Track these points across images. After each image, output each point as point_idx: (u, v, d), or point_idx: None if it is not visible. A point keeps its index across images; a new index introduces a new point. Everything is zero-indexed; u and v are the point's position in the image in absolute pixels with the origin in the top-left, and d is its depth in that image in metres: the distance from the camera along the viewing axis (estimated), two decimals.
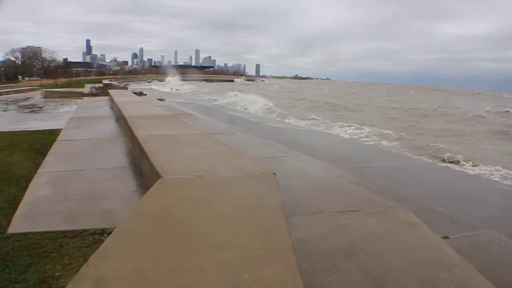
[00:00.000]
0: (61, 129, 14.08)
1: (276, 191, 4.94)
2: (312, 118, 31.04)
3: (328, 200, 6.43)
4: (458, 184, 11.81)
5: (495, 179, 13.80)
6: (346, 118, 32.49)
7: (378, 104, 43.61)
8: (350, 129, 25.58)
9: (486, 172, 14.86)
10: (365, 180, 9.32)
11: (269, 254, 3.23)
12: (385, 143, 20.85)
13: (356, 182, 8.56)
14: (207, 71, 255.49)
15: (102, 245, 3.48)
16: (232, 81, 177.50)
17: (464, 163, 16.34)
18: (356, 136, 23.28)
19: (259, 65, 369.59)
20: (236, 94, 57.66)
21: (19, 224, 5.89)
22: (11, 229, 5.71)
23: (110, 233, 5.20)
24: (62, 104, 28.99)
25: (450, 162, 16.28)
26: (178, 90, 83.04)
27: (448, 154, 17.33)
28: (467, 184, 12.41)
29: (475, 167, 15.63)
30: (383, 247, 4.63)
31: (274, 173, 5.75)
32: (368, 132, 23.79)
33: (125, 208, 6.03)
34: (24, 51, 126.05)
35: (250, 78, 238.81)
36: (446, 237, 5.74)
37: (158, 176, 5.64)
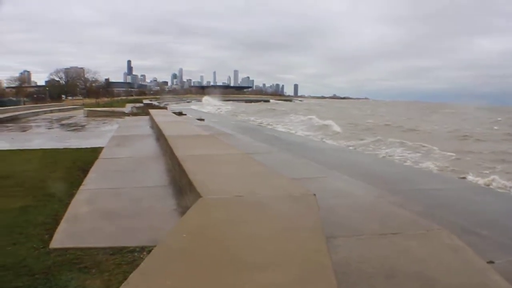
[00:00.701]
0: (103, 147, 14.31)
1: (316, 212, 4.88)
2: None
3: (368, 222, 6.30)
4: (504, 207, 11.47)
5: None
6: None
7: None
8: None
9: None
10: (406, 201, 9.14)
11: (309, 277, 3.18)
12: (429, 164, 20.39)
13: (397, 203, 8.40)
14: (245, 91, 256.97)
15: (143, 262, 3.49)
16: (268, 101, 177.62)
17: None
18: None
19: (297, 85, 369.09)
20: (310, 118, 52.61)
21: (60, 239, 5.99)
22: (53, 244, 5.81)
23: (149, 251, 5.21)
24: (103, 123, 29.56)
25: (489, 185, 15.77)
26: (218, 110, 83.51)
27: (493, 177, 16.85)
28: None
29: None
30: (425, 270, 4.50)
31: (314, 194, 5.68)
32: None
33: (164, 227, 6.04)
34: (68, 71, 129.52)
35: (287, 98, 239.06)
36: (491, 262, 5.54)
37: (198, 195, 5.63)
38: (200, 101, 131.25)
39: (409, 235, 5.68)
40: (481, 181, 16.43)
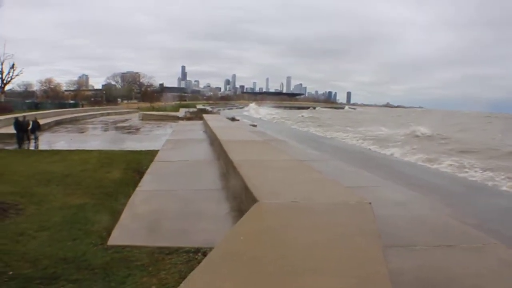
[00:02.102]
0: (158, 150, 14.54)
1: (372, 220, 4.81)
2: None
3: (422, 233, 6.21)
4: None
5: None
6: None
7: None
8: None
9: None
10: (461, 214, 8.93)
11: (365, 284, 3.14)
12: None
13: (452, 215, 8.21)
14: (298, 98, 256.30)
15: (202, 262, 3.53)
16: (314, 108, 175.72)
17: None
18: None
19: (350, 92, 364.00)
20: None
21: (118, 236, 6.14)
22: (111, 241, 5.96)
23: (204, 252, 5.29)
24: (158, 127, 30.11)
25: None
26: (272, 116, 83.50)
27: None
28: None
29: None
30: (482, 284, 4.39)
31: (370, 203, 5.61)
32: None
33: (219, 229, 6.11)
34: (124, 76, 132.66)
35: (339, 106, 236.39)
36: None
37: (254, 200, 5.65)
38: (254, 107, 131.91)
39: (464, 248, 5.55)
40: None
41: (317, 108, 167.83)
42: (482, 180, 18.30)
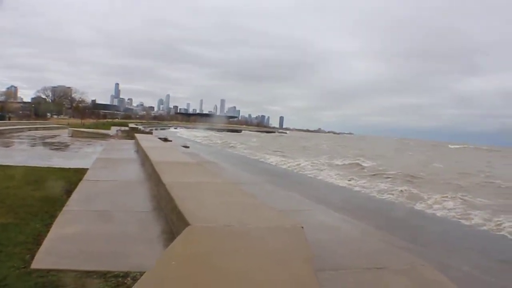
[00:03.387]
0: (87, 168, 14.16)
1: (305, 245, 4.89)
2: None
3: (354, 256, 6.40)
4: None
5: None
6: None
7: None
8: None
9: None
10: (391, 236, 9.22)
11: None
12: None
13: (382, 238, 8.47)
14: (231, 121, 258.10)
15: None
16: (240, 131, 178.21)
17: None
18: None
19: (282, 117, 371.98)
20: None
21: (42, 260, 5.86)
22: (35, 265, 5.68)
23: (134, 277, 5.15)
24: (88, 144, 29.35)
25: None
26: (205, 138, 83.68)
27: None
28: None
29: None
30: None
31: (302, 227, 5.68)
32: None
33: (149, 253, 5.99)
34: (55, 90, 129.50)
35: (270, 130, 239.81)
36: None
37: (185, 223, 5.58)
38: (187, 128, 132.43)
39: (394, 270, 5.74)
40: None
41: (243, 132, 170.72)
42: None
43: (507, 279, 8.96)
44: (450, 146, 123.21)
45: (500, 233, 14.22)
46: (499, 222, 15.16)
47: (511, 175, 37.71)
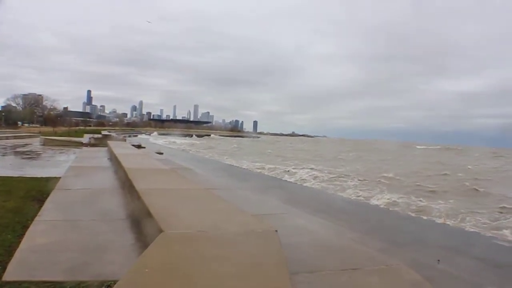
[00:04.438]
0: (59, 177, 14.01)
1: (279, 249, 4.93)
2: None
3: (329, 258, 6.42)
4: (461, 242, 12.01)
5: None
6: None
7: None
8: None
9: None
10: (365, 237, 9.34)
11: None
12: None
13: (357, 239, 8.57)
14: (205, 127, 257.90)
15: None
16: (209, 135, 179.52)
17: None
18: None
19: (256, 121, 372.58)
20: None
21: (14, 271, 5.78)
22: (6, 277, 5.60)
23: (108, 285, 5.12)
24: (60, 153, 29.00)
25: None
26: (178, 143, 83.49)
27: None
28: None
29: None
30: None
31: (276, 230, 5.73)
32: None
33: (124, 261, 5.96)
34: (26, 97, 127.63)
35: (243, 135, 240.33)
36: None
37: (159, 230, 5.59)
38: (162, 134, 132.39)
39: (369, 271, 5.80)
40: None
41: (212, 136, 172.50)
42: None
43: None
44: (417, 146, 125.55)
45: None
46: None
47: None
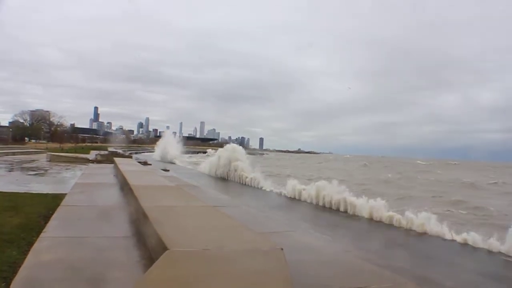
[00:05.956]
0: (65, 193, 14.02)
1: (284, 267, 4.89)
2: None
3: (336, 276, 6.38)
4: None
5: None
6: None
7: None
8: None
9: None
10: (372, 255, 9.29)
11: None
12: None
13: (364, 257, 8.52)
14: (211, 144, 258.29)
15: None
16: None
17: None
18: None
19: (262, 138, 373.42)
20: None
21: None
22: None
23: None
24: (66, 169, 29.12)
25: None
26: (184, 160, 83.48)
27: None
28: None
29: None
30: None
31: (282, 249, 5.68)
32: None
33: (129, 278, 5.94)
34: (33, 114, 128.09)
35: (251, 152, 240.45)
36: None
37: (164, 248, 5.56)
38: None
39: None
40: None
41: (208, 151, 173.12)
42: None
43: None
44: (419, 162, 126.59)
45: None
46: None
47: None
